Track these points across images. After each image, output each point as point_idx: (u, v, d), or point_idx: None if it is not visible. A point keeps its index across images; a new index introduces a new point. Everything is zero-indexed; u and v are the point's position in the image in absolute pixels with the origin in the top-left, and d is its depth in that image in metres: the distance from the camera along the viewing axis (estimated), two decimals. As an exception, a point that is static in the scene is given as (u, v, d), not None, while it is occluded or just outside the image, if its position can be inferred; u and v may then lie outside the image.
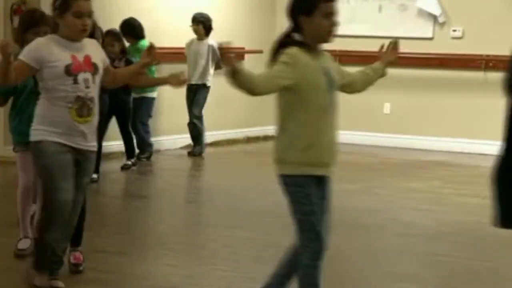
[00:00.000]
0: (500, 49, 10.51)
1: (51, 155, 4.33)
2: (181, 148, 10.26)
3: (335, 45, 13.18)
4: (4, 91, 5.20)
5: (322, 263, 3.95)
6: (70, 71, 4.31)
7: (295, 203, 3.92)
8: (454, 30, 10.85)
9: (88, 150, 4.47)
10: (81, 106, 4.35)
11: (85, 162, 4.48)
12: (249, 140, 11.42)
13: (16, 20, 8.74)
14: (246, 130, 11.41)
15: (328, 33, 3.88)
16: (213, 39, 9.76)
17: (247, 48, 11.28)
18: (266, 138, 11.62)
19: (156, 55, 4.62)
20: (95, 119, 4.45)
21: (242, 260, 5.56)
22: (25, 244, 5.34)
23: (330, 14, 3.85)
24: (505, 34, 10.46)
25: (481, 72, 10.74)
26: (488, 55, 10.65)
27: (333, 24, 3.87)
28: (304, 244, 3.92)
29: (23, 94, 5.18)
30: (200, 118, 9.87)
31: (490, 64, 10.61)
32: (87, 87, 4.37)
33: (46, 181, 4.40)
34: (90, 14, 4.36)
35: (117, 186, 8.47)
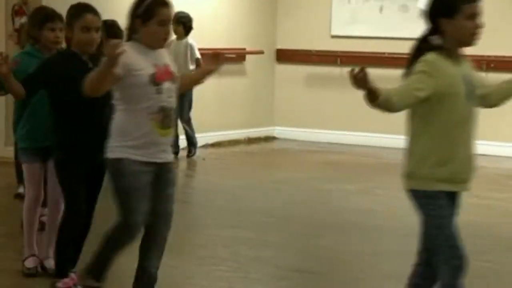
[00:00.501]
0: (501, 50, 10.53)
1: (132, 175, 4.10)
2: (181, 149, 10.26)
3: (336, 46, 13.11)
4: None
5: (463, 281, 3.71)
6: (154, 80, 4.10)
7: (427, 217, 3.66)
8: (455, 31, 10.85)
9: (167, 162, 4.25)
10: (164, 117, 4.14)
11: (166, 173, 4.26)
12: (250, 141, 11.42)
13: (18, 21, 8.74)
14: (247, 131, 11.41)
15: (471, 36, 3.62)
16: (192, 38, 9.71)
17: (248, 48, 11.29)
18: (267, 139, 11.62)
19: (222, 61, 4.46)
20: (173, 130, 4.27)
21: (243, 261, 5.57)
22: (32, 262, 5.05)
23: (474, 16, 3.60)
24: (506, 35, 10.46)
25: (482, 73, 10.71)
26: (489, 56, 10.63)
27: (477, 26, 3.61)
28: (443, 261, 3.66)
29: (36, 94, 4.69)
30: (189, 121, 9.80)
31: (492, 65, 10.59)
32: (170, 96, 4.17)
33: (123, 201, 4.14)
34: (171, 22, 4.18)
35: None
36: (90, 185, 4.59)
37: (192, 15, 9.81)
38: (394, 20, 11.08)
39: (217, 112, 10.65)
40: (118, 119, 4.17)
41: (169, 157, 4.28)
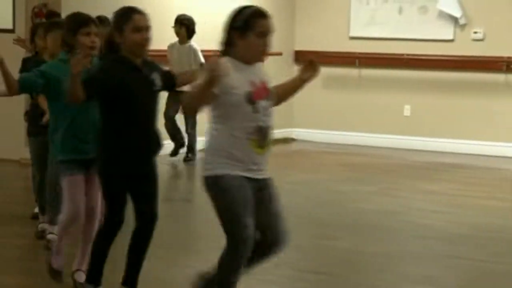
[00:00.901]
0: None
1: (236, 191, 3.97)
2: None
3: (354, 47, 13.07)
4: (28, 84, 4.65)
5: None
6: (251, 99, 3.96)
7: None
8: (475, 32, 10.80)
9: (266, 178, 4.11)
10: (262, 137, 4.00)
11: (269, 189, 4.12)
12: (268, 142, 11.41)
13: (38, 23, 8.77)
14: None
15: None
16: (194, 41, 9.68)
17: (266, 50, 11.29)
18: (286, 140, 11.63)
19: (317, 69, 4.26)
20: (270, 147, 4.09)
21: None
22: (59, 260, 4.81)
23: None
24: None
25: (502, 74, 10.69)
26: (509, 57, 10.60)
27: None
28: None
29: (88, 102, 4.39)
30: (194, 126, 9.71)
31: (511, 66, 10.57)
32: (266, 115, 4.02)
33: (231, 219, 3.98)
34: (271, 34, 4.00)
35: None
36: (140, 190, 4.49)
37: (209, 17, 9.82)
38: (413, 21, 11.05)
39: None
40: (215, 136, 4.04)
41: (266, 172, 4.11)
